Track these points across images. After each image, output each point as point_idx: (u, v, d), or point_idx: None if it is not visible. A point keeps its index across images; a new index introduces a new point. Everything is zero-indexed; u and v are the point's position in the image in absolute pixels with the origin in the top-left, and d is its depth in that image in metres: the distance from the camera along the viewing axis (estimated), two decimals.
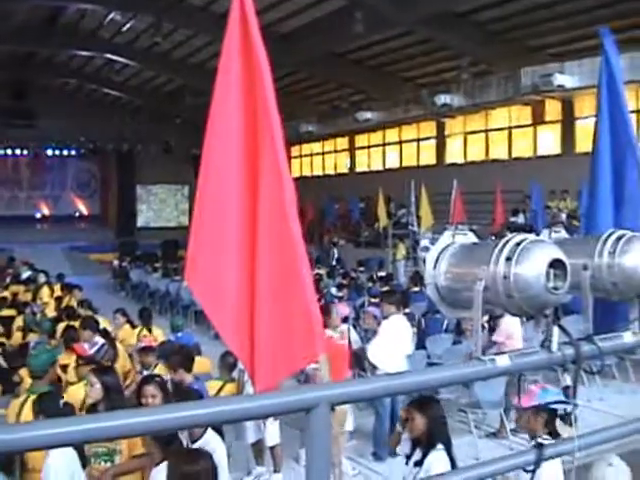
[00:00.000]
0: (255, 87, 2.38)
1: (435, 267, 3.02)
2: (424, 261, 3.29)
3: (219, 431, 5.63)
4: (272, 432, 8.12)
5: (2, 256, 29.28)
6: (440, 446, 5.00)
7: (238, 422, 3.59)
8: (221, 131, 2.45)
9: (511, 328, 9.26)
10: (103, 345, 8.73)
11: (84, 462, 5.28)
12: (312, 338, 2.33)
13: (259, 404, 2.23)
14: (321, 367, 2.40)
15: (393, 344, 8.96)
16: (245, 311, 2.41)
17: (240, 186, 2.43)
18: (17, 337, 12.48)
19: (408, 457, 5.16)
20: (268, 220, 2.35)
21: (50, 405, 5.65)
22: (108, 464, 5.48)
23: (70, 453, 5.03)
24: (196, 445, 5.36)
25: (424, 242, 20.88)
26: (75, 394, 6.91)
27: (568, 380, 3.04)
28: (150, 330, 11.14)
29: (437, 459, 4.96)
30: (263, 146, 2.36)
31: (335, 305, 9.52)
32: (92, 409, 6.23)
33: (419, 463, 5.01)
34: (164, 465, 4.32)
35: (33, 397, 6.31)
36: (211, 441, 5.40)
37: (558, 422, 4.72)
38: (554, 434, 4.71)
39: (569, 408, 3.71)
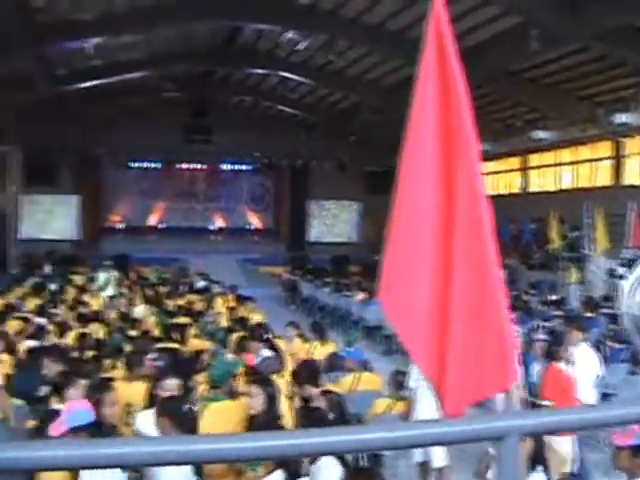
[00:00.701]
0: (452, 104, 2.32)
1: (631, 296, 2.87)
2: (614, 288, 3.13)
3: None
4: (439, 453, 7.90)
5: (177, 265, 30.37)
6: None
7: (423, 447, 3.41)
8: (417, 147, 2.40)
9: None
10: (268, 357, 8.81)
11: None
12: (506, 364, 2.23)
13: (446, 430, 2.14)
14: (512, 395, 2.30)
15: (584, 373, 8.65)
16: (438, 333, 2.33)
17: (436, 206, 2.36)
18: (192, 344, 12.76)
19: None
20: (464, 241, 2.28)
21: (175, 408, 5.75)
22: None
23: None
24: (315, 466, 5.29)
25: (593, 267, 20.28)
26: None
27: None
28: (324, 344, 11.20)
29: None
30: (459, 164, 2.29)
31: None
32: (252, 420, 6.31)
33: None
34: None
35: (213, 405, 6.45)
36: (329, 464, 5.32)
37: None
38: None
39: None
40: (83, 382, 6.75)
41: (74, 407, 5.59)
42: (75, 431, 5.25)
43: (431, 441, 2.19)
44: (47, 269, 24.18)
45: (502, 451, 2.13)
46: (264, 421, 6.11)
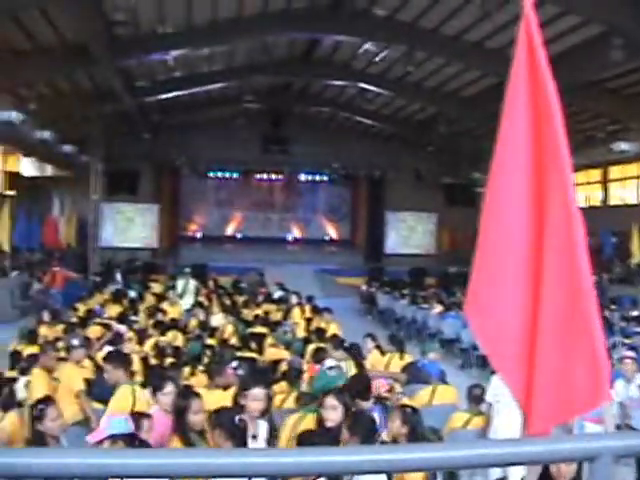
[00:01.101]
0: (543, 113, 2.25)
1: None
2: None
3: None
4: (516, 471, 7.67)
5: (254, 275, 30.53)
6: None
7: (507, 466, 3.34)
8: (507, 157, 2.34)
9: None
10: (331, 367, 8.74)
11: None
12: (598, 382, 2.15)
13: (537, 449, 2.07)
14: (606, 414, 2.21)
15: None
16: (526, 349, 2.27)
17: (526, 219, 2.30)
18: (269, 354, 12.84)
19: None
20: (556, 255, 2.21)
21: (227, 420, 5.71)
22: None
23: None
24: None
25: None
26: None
27: None
28: (401, 356, 11.13)
29: None
30: (551, 176, 2.23)
31: None
32: (328, 432, 6.26)
33: None
34: None
35: (310, 415, 6.45)
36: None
37: None
38: None
39: None
40: (170, 389, 6.84)
41: (114, 417, 5.66)
42: (113, 440, 5.33)
43: (521, 460, 2.10)
44: (118, 277, 24.53)
45: (594, 472, 2.05)
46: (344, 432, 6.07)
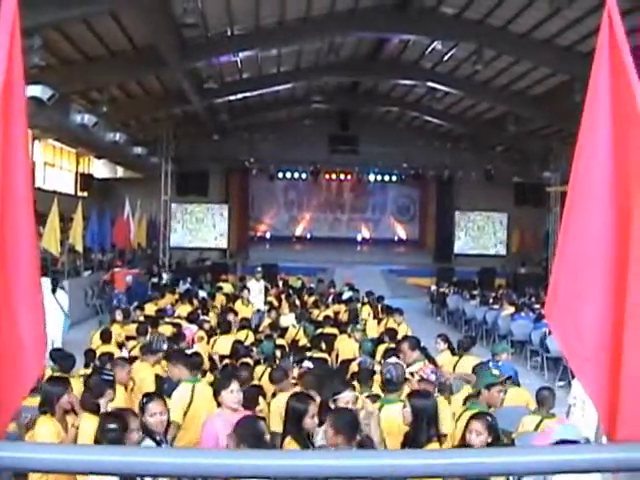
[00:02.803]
0: (628, 115, 2.18)
1: None
2: None
3: None
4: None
5: (324, 276, 30.63)
6: None
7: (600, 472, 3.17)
8: (591, 158, 2.28)
9: None
10: (392, 363, 8.65)
11: None
12: None
13: (617, 456, 1.99)
14: None
15: None
16: (608, 354, 2.21)
17: (610, 223, 2.23)
18: (339, 354, 12.83)
19: None
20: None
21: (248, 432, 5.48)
22: None
23: None
24: None
25: None
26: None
27: None
28: (473, 357, 11.01)
29: None
30: (637, 180, 2.16)
31: None
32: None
33: None
34: None
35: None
36: None
37: None
38: None
39: None
40: (235, 387, 6.86)
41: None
42: None
43: (609, 467, 2.02)
44: (183, 287, 24.62)
45: None
46: (414, 436, 6.06)
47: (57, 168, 33.74)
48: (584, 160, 2.29)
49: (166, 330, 13.07)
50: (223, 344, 12.50)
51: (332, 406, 6.38)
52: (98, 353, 10.54)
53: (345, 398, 6.46)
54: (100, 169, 38.20)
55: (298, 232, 43.42)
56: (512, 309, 20.71)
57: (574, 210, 2.31)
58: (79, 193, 35.18)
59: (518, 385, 9.75)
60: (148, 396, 6.48)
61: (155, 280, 27.54)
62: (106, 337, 12.19)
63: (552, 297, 2.33)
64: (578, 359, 2.29)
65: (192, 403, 7.71)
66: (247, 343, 12.69)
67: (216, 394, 6.99)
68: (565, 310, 2.30)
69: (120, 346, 12.35)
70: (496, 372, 7.89)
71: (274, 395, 8.45)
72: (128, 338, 13.12)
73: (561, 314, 2.31)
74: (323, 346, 12.60)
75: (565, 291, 2.31)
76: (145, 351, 9.90)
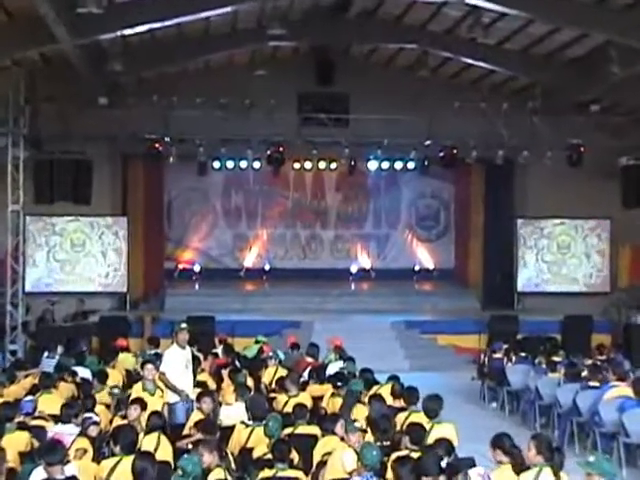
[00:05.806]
0: None
1: None
2: None
3: None
4: None
5: (296, 335, 30.44)
6: None
7: None
8: None
9: None
10: None
11: None
12: None
13: None
14: None
15: None
16: None
17: None
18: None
19: None
20: None
21: None
22: None
23: None
24: None
25: None
26: None
27: None
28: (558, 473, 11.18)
29: None
30: None
31: None
32: None
33: None
34: None
35: None
36: None
37: None
38: None
39: None
40: None
41: None
42: None
43: None
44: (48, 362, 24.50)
45: None
46: None
47: None
48: None
49: (17, 440, 13.34)
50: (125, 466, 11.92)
51: None
52: None
53: None
54: None
55: (249, 262, 43.63)
56: (625, 388, 20.15)
57: None
58: None
59: None
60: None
61: None
62: None
63: None
64: None
65: None
66: (162, 458, 12.64)
67: None
68: None
69: None
70: None
71: None
72: None
73: None
74: (295, 457, 12.76)
75: None
76: None
